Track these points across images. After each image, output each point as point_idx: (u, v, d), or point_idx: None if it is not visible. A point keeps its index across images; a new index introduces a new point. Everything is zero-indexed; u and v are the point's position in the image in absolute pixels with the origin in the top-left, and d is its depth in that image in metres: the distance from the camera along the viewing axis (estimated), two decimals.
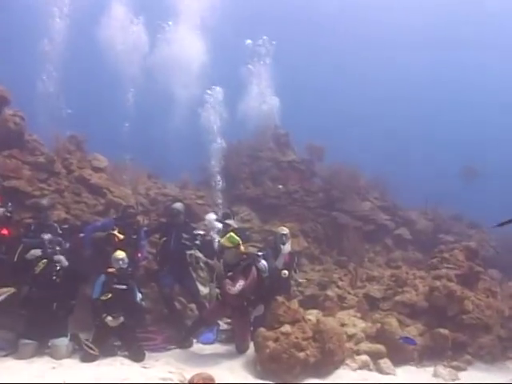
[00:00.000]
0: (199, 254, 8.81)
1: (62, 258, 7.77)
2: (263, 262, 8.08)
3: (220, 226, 9.65)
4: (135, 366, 7.16)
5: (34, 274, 7.61)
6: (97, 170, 11.32)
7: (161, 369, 6.99)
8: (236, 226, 10.06)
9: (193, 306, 9.90)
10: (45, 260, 7.70)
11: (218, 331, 9.14)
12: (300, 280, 10.01)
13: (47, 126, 11.94)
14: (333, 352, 7.38)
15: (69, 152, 11.25)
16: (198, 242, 9.08)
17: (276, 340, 7.18)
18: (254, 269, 7.92)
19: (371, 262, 13.49)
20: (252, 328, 8.10)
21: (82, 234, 9.04)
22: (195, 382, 4.71)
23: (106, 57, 13.79)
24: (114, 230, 9.03)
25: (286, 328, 7.28)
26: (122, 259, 8.00)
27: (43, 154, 10.68)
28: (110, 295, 7.69)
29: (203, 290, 10.02)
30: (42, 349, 7.48)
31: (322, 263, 12.62)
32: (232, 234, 8.19)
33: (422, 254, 14.35)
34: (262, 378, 7.00)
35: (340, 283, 10.40)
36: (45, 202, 9.07)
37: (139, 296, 8.00)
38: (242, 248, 8.11)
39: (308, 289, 10.45)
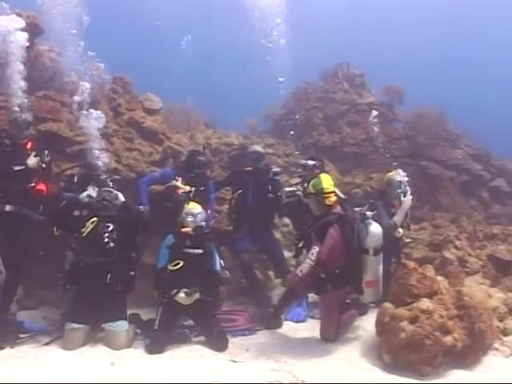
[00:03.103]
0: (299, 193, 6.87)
1: (118, 194, 6.09)
2: (373, 228, 5.82)
3: None
4: (221, 358, 5.28)
5: (82, 236, 5.77)
6: (150, 112, 9.44)
7: (256, 363, 5.09)
8: None
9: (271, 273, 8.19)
10: (94, 218, 5.83)
11: (308, 304, 7.20)
12: (407, 240, 7.94)
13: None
14: (483, 334, 5.35)
15: (115, 92, 9.34)
16: (294, 190, 7.15)
17: (414, 320, 5.17)
18: (333, 230, 5.69)
19: (468, 218, 11.37)
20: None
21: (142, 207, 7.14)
22: None
23: None
24: (176, 180, 7.17)
25: (426, 304, 5.24)
26: (198, 214, 6.10)
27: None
28: (181, 263, 5.81)
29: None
30: (94, 333, 5.76)
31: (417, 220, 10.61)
32: (322, 176, 6.09)
33: None
34: (393, 372, 5.04)
35: (458, 243, 8.29)
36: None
37: (220, 263, 6.12)
38: (330, 199, 5.92)
39: (416, 250, 8.42)
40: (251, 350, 5.66)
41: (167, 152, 8.48)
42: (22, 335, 5.85)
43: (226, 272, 6.24)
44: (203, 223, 6.09)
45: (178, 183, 7.09)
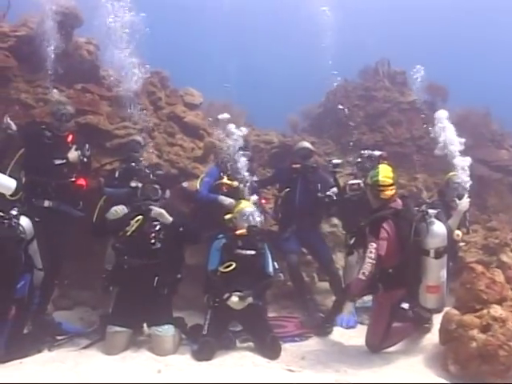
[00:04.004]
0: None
1: (161, 211, 5.51)
2: (436, 227, 5.23)
3: None
4: (275, 366, 4.87)
5: (126, 235, 5.38)
6: (191, 106, 9.11)
7: (315, 373, 4.70)
8: None
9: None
10: (140, 216, 5.42)
11: (355, 310, 6.75)
12: (460, 243, 7.48)
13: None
14: None
15: (154, 86, 9.01)
16: (359, 182, 6.72)
17: (486, 329, 4.71)
18: (387, 225, 5.15)
19: None
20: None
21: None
22: None
23: None
24: (221, 178, 6.83)
25: (499, 311, 4.77)
26: (251, 213, 5.68)
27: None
28: (233, 265, 5.42)
29: None
30: (135, 336, 5.40)
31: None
32: (381, 167, 5.55)
33: None
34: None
35: None
36: (140, 138, 6.94)
37: (273, 265, 5.71)
38: (386, 192, 5.36)
39: (469, 253, 7.95)
40: (308, 359, 5.23)
41: (210, 148, 8.09)
42: (59, 337, 5.51)
43: (281, 274, 5.84)
44: (257, 223, 5.70)
45: (225, 180, 6.74)
